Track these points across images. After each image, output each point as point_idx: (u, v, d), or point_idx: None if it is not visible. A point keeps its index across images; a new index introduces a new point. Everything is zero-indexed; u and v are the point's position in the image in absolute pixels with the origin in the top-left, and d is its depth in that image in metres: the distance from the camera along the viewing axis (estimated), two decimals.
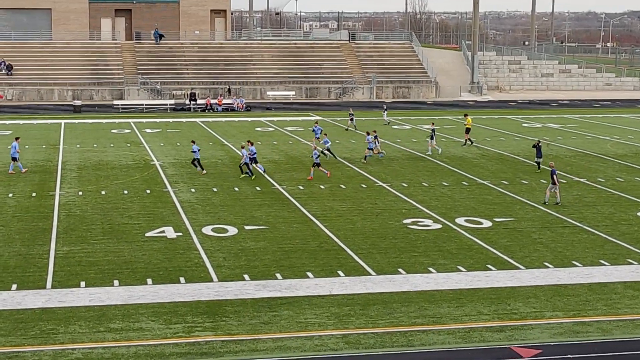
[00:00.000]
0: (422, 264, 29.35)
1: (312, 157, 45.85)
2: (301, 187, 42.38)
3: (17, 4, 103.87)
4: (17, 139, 47.35)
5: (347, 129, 64.91)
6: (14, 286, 26.44)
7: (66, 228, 33.76)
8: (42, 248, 30.85)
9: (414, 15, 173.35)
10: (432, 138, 53.85)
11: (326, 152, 50.16)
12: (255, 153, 45.38)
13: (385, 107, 72.70)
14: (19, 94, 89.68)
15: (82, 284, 26.77)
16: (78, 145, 56.36)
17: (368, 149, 50.32)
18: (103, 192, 40.87)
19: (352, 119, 65.46)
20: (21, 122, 70.31)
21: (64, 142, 58.07)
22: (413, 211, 37.48)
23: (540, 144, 47.84)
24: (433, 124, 57.50)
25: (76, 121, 71.05)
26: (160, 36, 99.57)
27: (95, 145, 56.43)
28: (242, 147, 46.08)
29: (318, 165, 44.91)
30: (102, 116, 75.47)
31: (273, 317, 23.99)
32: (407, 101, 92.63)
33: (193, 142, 47.90)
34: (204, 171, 46.17)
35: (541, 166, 46.98)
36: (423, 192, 41.71)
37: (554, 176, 38.65)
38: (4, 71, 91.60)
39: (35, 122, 70.38)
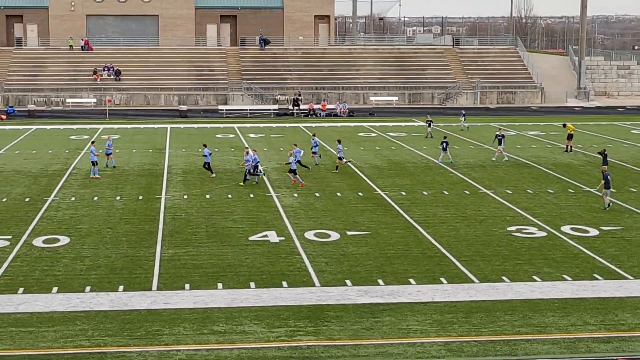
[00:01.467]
0: (526, 272, 28.93)
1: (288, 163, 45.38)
2: (403, 193, 42.22)
3: (126, 11, 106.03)
4: (92, 142, 48.39)
5: (426, 137, 63.97)
6: (121, 287, 26.95)
7: (171, 231, 34.28)
8: (148, 250, 31.39)
9: (519, 20, 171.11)
10: (500, 143, 52.97)
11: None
12: (258, 161, 45.54)
13: (463, 113, 71.89)
14: (127, 98, 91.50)
15: (187, 286, 27.14)
16: (183, 150, 57.21)
17: (338, 158, 49.21)
18: (208, 196, 41.39)
19: (429, 125, 64.64)
20: (128, 126, 71.70)
21: (169, 146, 59.03)
22: (517, 218, 36.98)
23: (605, 152, 46.92)
24: (501, 129, 56.32)
25: (182, 126, 72.15)
26: (265, 42, 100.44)
27: (200, 150, 57.14)
28: (247, 153, 45.74)
29: (294, 172, 44.61)
30: (207, 121, 76.47)
31: (375, 322, 23.94)
32: (511, 107, 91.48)
33: (204, 145, 48.73)
34: (214, 174, 46.65)
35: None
36: (528, 199, 41.13)
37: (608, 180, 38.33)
38: (112, 76, 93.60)
39: (142, 126, 71.69)
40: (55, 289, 26.75)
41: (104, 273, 28.53)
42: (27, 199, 40.54)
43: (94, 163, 46.75)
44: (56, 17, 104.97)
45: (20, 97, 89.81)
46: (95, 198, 40.85)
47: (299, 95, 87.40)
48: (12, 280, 27.69)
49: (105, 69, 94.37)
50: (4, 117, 78.00)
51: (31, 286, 27.04)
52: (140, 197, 41.09)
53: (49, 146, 58.86)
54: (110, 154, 49.57)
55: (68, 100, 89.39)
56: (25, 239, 32.89)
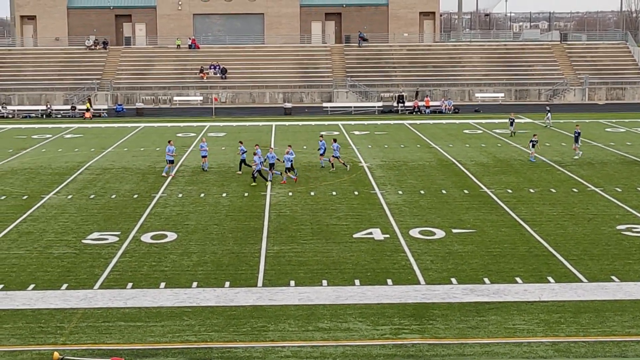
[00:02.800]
0: (637, 272, 28.21)
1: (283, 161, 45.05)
2: (510, 191, 41.65)
3: (231, 10, 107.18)
4: (169, 142, 48.72)
5: (510, 135, 62.64)
6: (227, 283, 27.21)
7: (277, 228, 34.47)
8: (253, 247, 31.62)
9: (629, 14, 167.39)
10: (576, 141, 51.64)
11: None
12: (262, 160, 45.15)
13: (548, 109, 70.38)
14: (233, 96, 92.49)
15: (292, 283, 27.25)
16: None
17: (333, 156, 48.18)
18: (312, 193, 41.51)
19: (512, 124, 63.34)
20: (234, 124, 72.45)
21: (274, 143, 59.38)
22: (628, 217, 36.11)
23: None
24: (577, 125, 54.79)
25: (286, 123, 72.57)
26: (363, 39, 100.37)
27: (304, 147, 57.42)
28: (254, 154, 45.52)
29: (289, 170, 44.53)
30: (312, 118, 76.76)
31: (480, 321, 23.65)
32: (621, 103, 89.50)
33: (240, 142, 48.92)
34: (240, 172, 46.74)
35: None
36: (638, 197, 40.13)
37: None
38: (218, 75, 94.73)
39: (247, 124, 72.35)
40: (163, 285, 27.15)
41: (210, 269, 28.85)
42: (135, 196, 41.28)
43: (170, 162, 47.15)
44: (164, 17, 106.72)
45: (128, 96, 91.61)
46: (202, 195, 41.36)
47: (417, 91, 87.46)
48: (121, 275, 28.22)
49: (212, 67, 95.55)
50: (88, 115, 79.65)
51: (140, 281, 27.51)
52: (246, 194, 41.44)
53: (156, 144, 59.85)
54: (205, 156, 48.74)
55: (175, 98, 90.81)
56: (134, 235, 33.49)
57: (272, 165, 45.02)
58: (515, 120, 64.35)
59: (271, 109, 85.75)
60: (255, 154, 45.32)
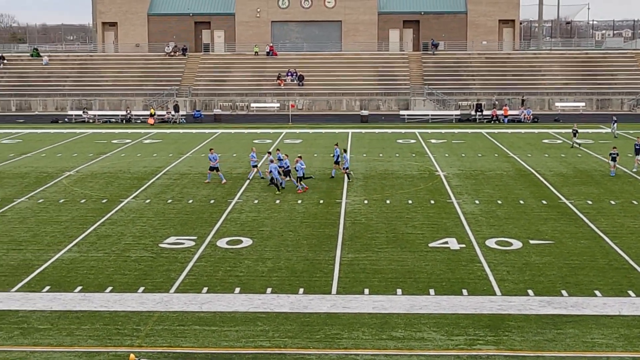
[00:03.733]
0: None
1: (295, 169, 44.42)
2: (590, 202, 40.96)
3: (309, 17, 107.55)
4: (211, 150, 48.72)
5: (571, 147, 61.33)
6: (301, 290, 27.20)
7: (351, 235, 34.39)
8: (328, 254, 31.58)
9: None
10: (637, 153, 50.31)
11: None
12: (288, 166, 45.18)
13: (614, 120, 68.90)
14: (309, 103, 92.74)
15: (366, 291, 27.13)
16: (364, 155, 57.43)
17: (344, 167, 47.67)
18: (388, 201, 41.34)
19: (575, 134, 62.02)
20: (310, 131, 72.61)
21: (351, 151, 59.32)
22: None
23: None
24: (638, 138, 53.23)
25: (363, 131, 72.50)
26: (436, 46, 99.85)
27: (381, 155, 57.29)
28: (271, 161, 45.40)
29: (301, 178, 44.10)
30: (388, 126, 76.57)
31: (558, 334, 23.26)
32: None
33: (341, 148, 48.82)
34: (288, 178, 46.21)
35: None
36: None
37: None
38: (295, 82, 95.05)
39: (323, 131, 72.45)
40: (237, 290, 27.26)
41: (284, 275, 28.88)
42: (211, 201, 41.57)
43: (215, 169, 47.00)
44: (242, 24, 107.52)
45: (206, 102, 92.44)
46: (277, 201, 41.48)
47: (496, 101, 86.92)
48: (197, 279, 28.41)
49: (289, 74, 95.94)
50: (152, 121, 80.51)
51: (215, 286, 27.66)
52: (321, 201, 41.44)
53: (233, 150, 60.26)
54: (255, 166, 48.10)
55: (252, 104, 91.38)
56: (210, 240, 33.71)
57: (287, 173, 45.15)
58: (579, 131, 63.04)
59: (348, 116, 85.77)
60: (271, 160, 45.52)
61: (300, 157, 45.42)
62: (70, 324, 24.19)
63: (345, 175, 47.63)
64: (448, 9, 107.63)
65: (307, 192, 43.57)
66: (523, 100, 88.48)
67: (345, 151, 48.45)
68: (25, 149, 61.13)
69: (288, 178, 45.22)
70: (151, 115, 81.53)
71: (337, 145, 49.51)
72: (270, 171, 44.50)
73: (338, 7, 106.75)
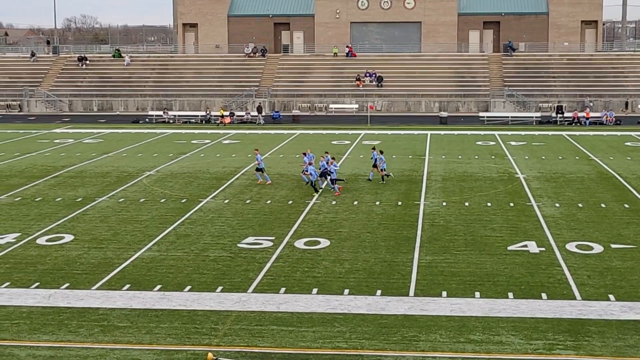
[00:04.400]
0: None
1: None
2: None
3: (389, 18, 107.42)
4: (256, 150, 49.07)
5: None
6: (379, 292, 27.15)
7: (430, 237, 34.22)
8: (406, 256, 31.47)
9: None
10: None
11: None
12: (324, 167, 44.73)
13: None
14: (388, 105, 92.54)
15: (444, 293, 26.97)
16: (443, 156, 57.12)
17: (381, 169, 47.09)
18: (466, 204, 41.06)
19: None
20: (389, 132, 72.46)
21: (429, 152, 59.09)
22: None
23: None
24: None
25: (442, 132, 72.11)
26: (512, 49, 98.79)
27: (460, 157, 56.92)
28: (310, 163, 45.63)
29: (335, 180, 43.85)
30: (467, 128, 76.05)
31: (639, 340, 22.87)
32: None
33: (378, 149, 48.32)
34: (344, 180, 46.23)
35: None
36: None
37: None
38: (374, 83, 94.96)
39: (402, 132, 72.23)
40: (315, 290, 27.32)
41: (362, 277, 28.86)
42: (290, 202, 41.72)
43: (261, 170, 46.97)
44: (322, 25, 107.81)
45: (285, 103, 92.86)
46: (355, 203, 41.47)
47: (591, 102, 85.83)
48: (275, 280, 28.54)
49: (368, 75, 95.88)
50: (227, 121, 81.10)
51: (292, 286, 27.75)
52: (400, 203, 41.33)
53: (311, 151, 60.26)
54: (260, 169, 47.21)
55: (331, 105, 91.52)
56: (288, 241, 33.84)
57: (324, 174, 44.96)
58: None
59: (427, 117, 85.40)
60: (310, 163, 45.69)
61: (333, 158, 45.48)
62: (149, 322, 24.50)
63: (384, 177, 47.38)
64: (529, 9, 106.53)
65: (385, 194, 43.47)
66: (587, 105, 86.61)
67: (381, 153, 48.16)
68: (107, 149, 62.11)
69: (324, 179, 45.20)
70: (222, 115, 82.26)
71: (374, 149, 49.17)
72: (310, 173, 44.71)
73: (418, 8, 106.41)
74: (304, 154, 48.47)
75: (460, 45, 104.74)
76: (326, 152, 47.75)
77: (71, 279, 28.77)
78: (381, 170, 47.22)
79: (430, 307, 25.66)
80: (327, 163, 44.77)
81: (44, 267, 30.31)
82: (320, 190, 44.32)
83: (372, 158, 48.35)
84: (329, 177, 44.52)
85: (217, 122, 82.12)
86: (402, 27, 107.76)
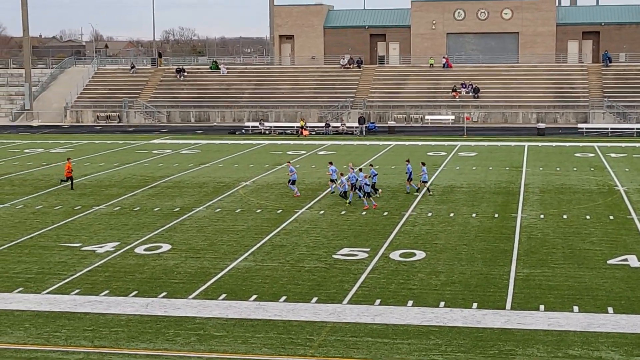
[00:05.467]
0: None
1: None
2: None
3: (486, 29, 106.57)
4: (289, 162, 49.74)
5: None
6: (475, 305, 26.85)
7: (527, 250, 33.74)
8: (502, 269, 31.08)
9: None
10: None
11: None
12: (356, 179, 44.07)
13: None
14: (485, 116, 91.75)
15: (541, 307, 26.53)
16: (540, 168, 56.33)
17: (422, 181, 46.74)
18: (565, 216, 40.39)
19: None
20: (485, 143, 71.81)
21: (526, 164, 58.35)
22: None
23: None
24: None
25: (539, 144, 71.16)
26: (609, 59, 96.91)
27: (558, 169, 56.07)
28: (341, 174, 45.76)
29: (368, 195, 42.93)
30: (566, 139, 74.90)
31: None
32: None
33: (371, 165, 47.78)
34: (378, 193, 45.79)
35: None
36: None
37: None
38: (470, 94, 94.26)
39: (499, 144, 71.51)
40: (410, 302, 27.14)
41: (458, 289, 28.59)
42: (385, 213, 41.60)
43: (293, 182, 47.00)
44: (418, 36, 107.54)
45: (381, 114, 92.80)
46: (452, 214, 41.16)
47: None
48: (370, 291, 28.45)
49: (464, 86, 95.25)
50: (305, 133, 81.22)
51: (387, 298, 27.63)
52: (496, 215, 40.87)
53: (410, 162, 60.15)
54: (292, 181, 47.18)
55: (427, 117, 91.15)
56: (383, 252, 33.73)
57: (353, 186, 44.46)
58: None
59: (524, 128, 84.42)
60: (342, 174, 45.77)
61: (361, 170, 45.36)
62: (245, 331, 24.64)
63: (425, 190, 47.37)
64: (630, 19, 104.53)
65: (482, 206, 43.05)
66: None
67: (423, 164, 48.34)
68: (204, 159, 62.87)
69: (354, 191, 44.60)
70: (302, 127, 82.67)
71: (408, 161, 48.71)
72: (343, 183, 44.81)
73: (515, 18, 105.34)
74: (330, 163, 48.84)
75: (559, 55, 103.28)
76: (370, 165, 47.45)
77: (168, 287, 29.14)
78: (422, 182, 47.32)
79: (527, 320, 25.26)
80: (364, 176, 44.05)
81: (142, 275, 30.78)
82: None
83: (406, 172, 47.80)
84: (359, 190, 43.93)
85: (297, 133, 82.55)
86: (499, 38, 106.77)
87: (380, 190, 46.02)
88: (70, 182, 50.00)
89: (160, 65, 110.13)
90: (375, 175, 46.29)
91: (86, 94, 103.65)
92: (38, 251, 34.57)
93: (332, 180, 46.87)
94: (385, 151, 67.32)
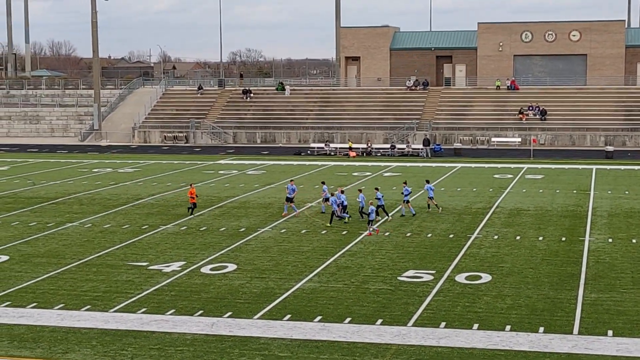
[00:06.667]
0: None
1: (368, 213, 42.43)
2: None
3: (553, 51, 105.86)
4: (291, 181, 49.56)
5: None
6: (541, 329, 26.53)
7: (595, 275, 33.28)
8: (569, 293, 30.68)
9: None
10: None
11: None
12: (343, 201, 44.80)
13: None
14: (552, 138, 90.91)
15: (610, 332, 26.12)
16: (609, 192, 55.60)
17: (429, 197, 47.62)
18: (634, 240, 39.79)
19: None
20: (552, 166, 71.11)
21: (594, 187, 57.65)
22: None
23: None
24: None
25: (607, 167, 70.28)
26: None
27: (627, 192, 55.30)
28: (332, 194, 45.53)
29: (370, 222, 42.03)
30: (635, 162, 73.85)
31: None
32: None
33: (377, 189, 47.02)
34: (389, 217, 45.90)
35: None
36: None
37: None
38: (537, 116, 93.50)
39: (566, 166, 70.78)
40: (476, 326, 26.91)
41: (524, 313, 28.28)
42: (451, 236, 41.38)
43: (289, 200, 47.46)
44: (484, 58, 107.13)
45: (447, 136, 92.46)
46: (518, 237, 40.78)
47: None
48: (435, 314, 28.28)
49: (531, 108, 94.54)
50: (352, 154, 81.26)
51: (453, 321, 27.43)
52: (563, 239, 40.40)
53: (473, 184, 59.88)
54: (289, 199, 47.52)
55: (493, 139, 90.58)
56: (449, 275, 33.52)
57: (344, 208, 45.09)
58: None
59: (592, 152, 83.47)
60: (332, 194, 45.91)
61: (371, 203, 43.74)
62: (309, 352, 24.63)
63: (435, 206, 48.22)
64: None
65: (549, 229, 42.61)
66: None
67: (428, 182, 49.70)
68: (269, 180, 63.17)
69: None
70: (349, 148, 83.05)
71: (405, 183, 48.94)
72: (331, 204, 45.22)
73: (583, 40, 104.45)
74: (323, 182, 50.72)
75: (628, 77, 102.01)
76: (376, 189, 47.12)
77: (233, 307, 29.27)
78: (429, 198, 48.28)
79: (595, 346, 24.89)
80: (370, 203, 43.74)
81: (207, 295, 30.96)
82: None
83: (402, 193, 47.80)
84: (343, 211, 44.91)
85: (345, 154, 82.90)
86: (566, 60, 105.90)
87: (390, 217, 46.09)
88: (192, 208, 48.05)
89: (240, 85, 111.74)
90: (381, 197, 45.95)
91: (154, 114, 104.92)
92: (106, 270, 34.99)
93: (326, 200, 47.40)
94: (451, 173, 67.00)
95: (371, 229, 41.98)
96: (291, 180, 50.76)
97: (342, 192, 46.80)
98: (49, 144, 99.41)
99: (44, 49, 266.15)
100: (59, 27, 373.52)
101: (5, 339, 25.87)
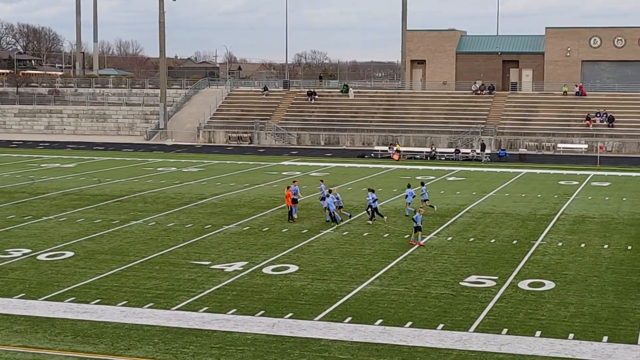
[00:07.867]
0: None
1: (413, 219, 41.05)
2: None
3: (622, 57, 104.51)
4: (294, 182, 49.36)
5: None
6: (605, 338, 26.17)
7: None
8: (635, 302, 30.21)
9: None
10: None
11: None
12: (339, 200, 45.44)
13: None
14: (619, 145, 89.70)
15: None
16: None
17: (423, 200, 47.66)
18: None
19: None
20: (619, 173, 70.16)
21: None
22: None
23: None
24: None
25: None
26: None
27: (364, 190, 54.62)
28: (328, 195, 45.47)
29: (418, 229, 40.40)
30: None
31: None
32: None
33: (372, 190, 46.88)
34: (371, 221, 45.62)
35: None
36: None
37: None
38: (605, 123, 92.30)
39: (633, 174, 69.77)
40: (538, 333, 26.63)
41: (588, 322, 27.92)
42: (514, 242, 41.02)
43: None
44: (551, 63, 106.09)
45: (512, 141, 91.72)
46: (582, 245, 40.29)
47: None
48: (497, 320, 28.03)
49: (598, 114, 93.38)
50: (395, 157, 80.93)
51: (515, 328, 27.17)
52: (629, 247, 39.82)
53: (537, 190, 59.28)
54: (295, 201, 46.79)
55: (559, 145, 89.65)
56: (511, 281, 33.22)
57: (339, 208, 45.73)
58: None
59: None
60: (328, 195, 45.80)
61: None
62: (369, 355, 24.56)
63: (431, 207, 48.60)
64: None
65: (614, 237, 42.03)
66: None
67: (422, 184, 50.63)
68: (333, 182, 63.11)
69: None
70: (397, 151, 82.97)
71: (422, 184, 50.87)
72: (328, 205, 45.25)
73: None
74: (321, 180, 51.53)
75: None
76: (370, 190, 47.21)
77: (295, 308, 29.32)
78: (423, 200, 48.63)
79: None
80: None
81: (268, 295, 31.06)
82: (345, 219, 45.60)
83: (405, 196, 48.85)
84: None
85: (387, 156, 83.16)
86: (636, 66, 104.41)
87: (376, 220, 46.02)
88: (290, 212, 46.75)
89: (319, 87, 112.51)
90: (375, 200, 46.08)
91: (219, 114, 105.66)
92: (168, 268, 35.29)
93: (322, 199, 47.37)
94: (515, 179, 66.42)
95: (414, 239, 40.68)
96: (294, 182, 50.63)
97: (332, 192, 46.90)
98: (115, 142, 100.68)
99: (111, 48, 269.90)
100: (127, 27, 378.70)
101: (69, 334, 26.22)
